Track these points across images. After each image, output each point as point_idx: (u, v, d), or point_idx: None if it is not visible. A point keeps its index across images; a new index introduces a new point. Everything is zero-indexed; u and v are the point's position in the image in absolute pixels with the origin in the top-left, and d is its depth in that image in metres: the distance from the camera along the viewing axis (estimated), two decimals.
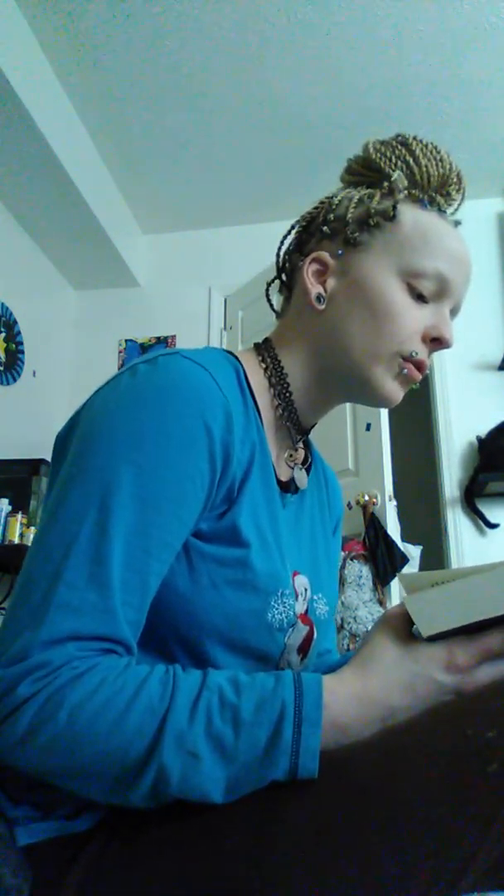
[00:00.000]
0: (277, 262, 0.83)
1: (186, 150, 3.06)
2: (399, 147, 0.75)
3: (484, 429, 2.96)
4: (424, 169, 0.74)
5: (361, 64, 2.59)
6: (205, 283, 3.52)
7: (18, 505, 2.59)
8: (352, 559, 2.48)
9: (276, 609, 0.67)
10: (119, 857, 0.56)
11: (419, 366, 0.73)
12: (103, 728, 0.51)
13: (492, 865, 0.48)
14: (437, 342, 0.74)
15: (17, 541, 2.48)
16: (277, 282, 0.85)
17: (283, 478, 0.77)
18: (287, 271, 0.82)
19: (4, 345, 2.96)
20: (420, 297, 0.72)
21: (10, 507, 2.56)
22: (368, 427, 2.67)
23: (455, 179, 0.76)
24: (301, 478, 0.80)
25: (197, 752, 0.51)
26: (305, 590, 0.76)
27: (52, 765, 0.53)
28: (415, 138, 0.76)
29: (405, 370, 0.72)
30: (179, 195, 3.37)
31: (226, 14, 2.37)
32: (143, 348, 3.51)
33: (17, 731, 0.52)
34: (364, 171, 0.78)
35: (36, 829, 0.60)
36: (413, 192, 0.74)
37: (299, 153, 3.06)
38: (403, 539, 2.64)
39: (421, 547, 2.68)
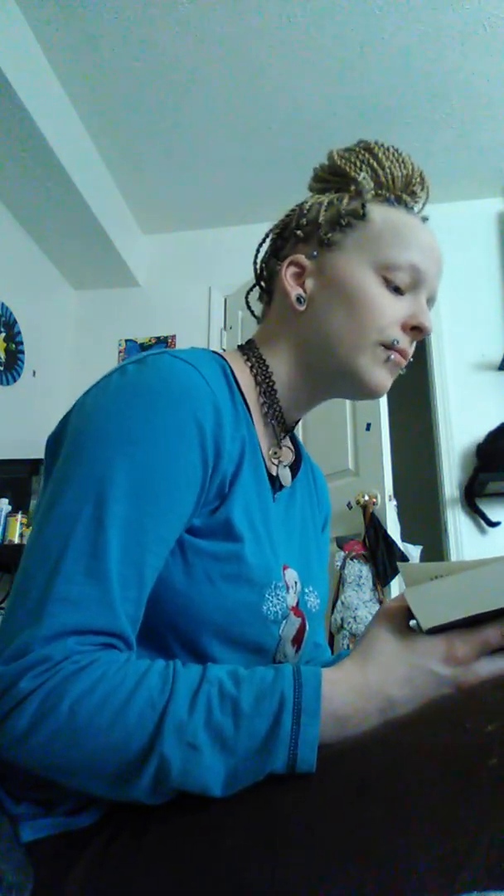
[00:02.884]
0: (255, 270, 0.86)
1: (186, 151, 3.06)
2: (362, 152, 0.79)
3: (484, 429, 2.96)
4: (388, 171, 0.77)
5: (361, 64, 2.59)
6: (205, 283, 3.52)
7: (18, 505, 2.60)
8: (352, 559, 2.48)
9: (271, 601, 0.68)
10: (122, 855, 0.56)
11: (402, 354, 0.75)
12: (104, 721, 0.52)
13: (491, 861, 0.49)
14: (416, 330, 0.76)
15: (17, 541, 2.49)
16: (257, 290, 0.87)
17: (272, 473, 0.79)
18: (265, 278, 0.85)
19: (4, 345, 2.96)
20: (396, 290, 0.74)
21: (10, 507, 2.57)
22: (368, 427, 2.68)
23: (418, 179, 0.79)
24: (285, 476, 0.82)
25: (197, 743, 0.51)
26: (296, 583, 0.77)
27: (54, 760, 0.53)
28: (376, 143, 0.79)
29: (391, 356, 0.75)
30: (179, 195, 3.37)
31: (225, 14, 2.38)
32: (144, 348, 3.51)
33: (20, 726, 0.52)
34: (330, 178, 0.81)
35: (39, 825, 0.60)
36: (380, 192, 0.77)
37: (299, 153, 3.06)
38: (403, 539, 2.64)
39: (421, 547, 2.69)
